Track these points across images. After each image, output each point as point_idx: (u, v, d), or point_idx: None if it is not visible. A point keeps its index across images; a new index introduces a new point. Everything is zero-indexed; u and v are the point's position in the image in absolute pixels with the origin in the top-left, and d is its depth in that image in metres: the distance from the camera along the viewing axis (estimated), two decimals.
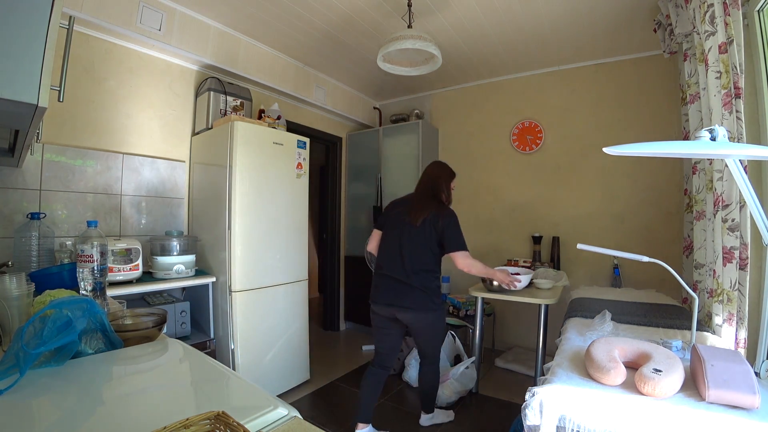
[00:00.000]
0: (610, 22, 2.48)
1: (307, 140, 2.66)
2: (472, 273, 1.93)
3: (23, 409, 0.61)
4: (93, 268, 1.01)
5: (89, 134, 2.11)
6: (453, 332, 2.77)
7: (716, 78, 1.53)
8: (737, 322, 1.47)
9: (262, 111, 2.58)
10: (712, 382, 0.96)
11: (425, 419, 2.14)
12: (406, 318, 1.89)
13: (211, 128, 2.42)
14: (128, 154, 2.27)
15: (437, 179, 2.03)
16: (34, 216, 1.74)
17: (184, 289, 2.31)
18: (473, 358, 2.48)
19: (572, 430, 0.98)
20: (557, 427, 1.01)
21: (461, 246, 1.88)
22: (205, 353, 0.91)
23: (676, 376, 1.02)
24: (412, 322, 1.90)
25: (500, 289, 2.39)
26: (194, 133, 2.59)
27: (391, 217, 2.02)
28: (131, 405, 0.66)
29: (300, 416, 0.62)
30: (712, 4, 1.53)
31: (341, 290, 3.99)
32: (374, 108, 4.18)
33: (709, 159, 1.68)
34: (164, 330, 1.03)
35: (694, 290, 1.84)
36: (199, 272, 2.28)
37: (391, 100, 4.18)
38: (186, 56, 2.45)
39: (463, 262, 1.88)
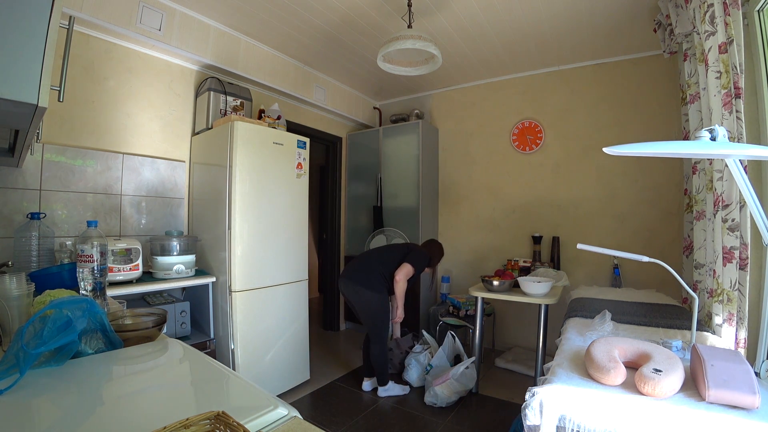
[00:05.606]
0: (610, 22, 2.48)
1: (307, 140, 2.66)
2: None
3: (23, 409, 0.61)
4: (93, 268, 1.01)
5: (89, 134, 2.11)
6: (453, 332, 2.77)
7: (716, 78, 1.52)
8: (737, 322, 1.47)
9: (262, 111, 2.58)
10: (712, 382, 0.96)
11: (380, 391, 2.49)
12: None
13: (211, 128, 2.42)
14: (128, 154, 2.27)
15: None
16: (34, 216, 1.74)
17: (184, 289, 2.31)
18: (473, 358, 2.48)
19: (572, 430, 0.98)
20: (557, 427, 1.01)
21: None
22: (205, 353, 0.91)
23: (676, 376, 1.02)
24: None
25: (500, 289, 2.40)
26: (194, 133, 2.59)
27: None
28: (131, 405, 0.66)
29: (300, 416, 0.62)
30: (712, 4, 1.53)
31: None
32: (374, 108, 4.18)
33: (709, 159, 1.68)
34: (164, 330, 1.03)
35: (694, 290, 1.84)
36: (199, 272, 2.28)
37: (391, 100, 4.18)
38: (186, 56, 2.45)
39: None
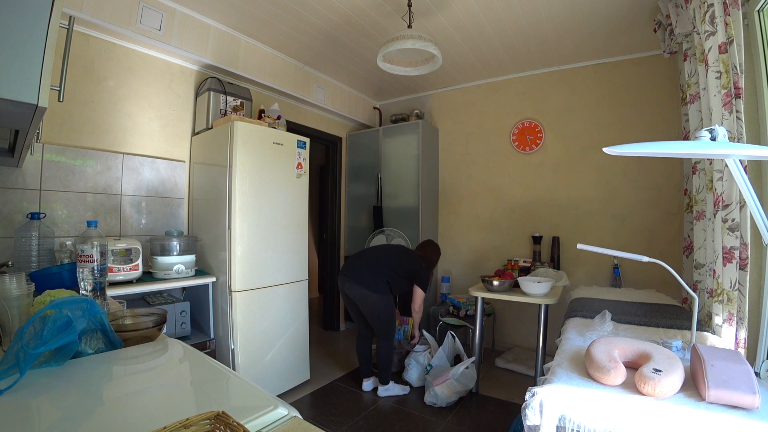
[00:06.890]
0: (610, 22, 2.48)
1: (307, 140, 2.66)
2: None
3: (23, 409, 0.61)
4: (93, 268, 1.01)
5: (89, 134, 2.11)
6: (453, 332, 2.77)
7: (716, 78, 1.52)
8: (737, 322, 1.47)
9: (262, 111, 2.58)
10: (712, 382, 0.96)
11: (381, 390, 2.51)
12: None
13: (211, 128, 2.42)
14: (128, 154, 2.27)
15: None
16: (34, 216, 1.74)
17: (184, 289, 2.31)
18: (473, 358, 2.48)
19: (572, 430, 0.98)
20: (557, 427, 1.01)
21: None
22: (205, 353, 0.91)
23: (676, 376, 1.02)
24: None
25: (500, 289, 2.40)
26: (194, 133, 2.59)
27: None
28: (131, 405, 0.66)
29: (300, 416, 0.62)
30: (712, 4, 1.53)
31: None
32: (374, 108, 4.18)
33: (709, 159, 1.68)
34: (164, 330, 1.03)
35: (694, 290, 1.84)
36: (199, 272, 2.28)
37: (391, 100, 4.18)
38: (186, 56, 2.45)
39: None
